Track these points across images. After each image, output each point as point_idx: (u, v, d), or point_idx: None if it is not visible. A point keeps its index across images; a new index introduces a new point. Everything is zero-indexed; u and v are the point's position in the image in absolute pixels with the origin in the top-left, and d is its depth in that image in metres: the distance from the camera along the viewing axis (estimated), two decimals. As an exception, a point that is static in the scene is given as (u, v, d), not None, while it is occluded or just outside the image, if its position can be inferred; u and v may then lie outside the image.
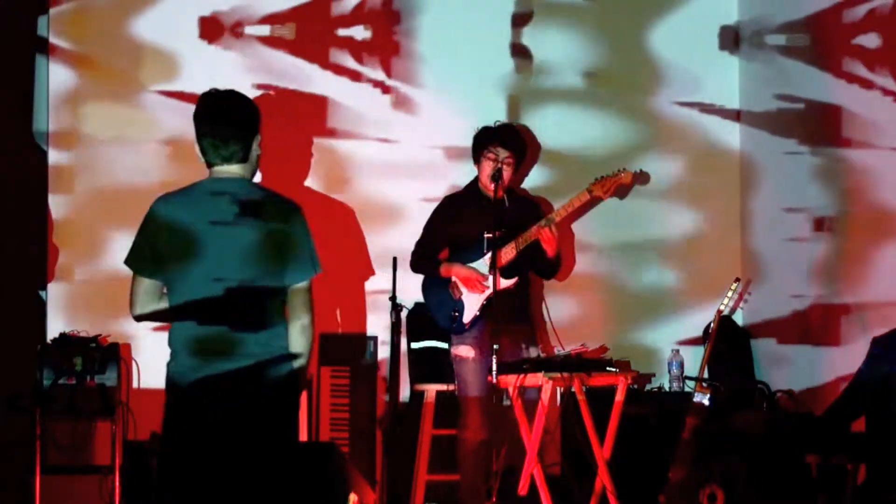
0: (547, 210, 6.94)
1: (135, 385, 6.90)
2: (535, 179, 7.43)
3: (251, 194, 4.26)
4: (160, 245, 4.22)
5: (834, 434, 5.65)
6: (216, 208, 4.22)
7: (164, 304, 4.28)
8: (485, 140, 6.56)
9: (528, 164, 7.30)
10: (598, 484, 6.33)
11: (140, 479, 6.54)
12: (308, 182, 7.43)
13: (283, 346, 4.24)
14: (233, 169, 4.29)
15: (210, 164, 4.31)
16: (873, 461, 5.50)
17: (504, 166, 6.48)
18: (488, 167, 6.50)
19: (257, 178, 4.46)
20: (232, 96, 4.32)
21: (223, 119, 4.27)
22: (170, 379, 4.24)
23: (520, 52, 7.60)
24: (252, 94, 7.31)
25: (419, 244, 6.63)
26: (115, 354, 6.73)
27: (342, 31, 7.51)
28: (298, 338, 4.26)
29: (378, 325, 7.22)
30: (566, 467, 6.39)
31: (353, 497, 5.97)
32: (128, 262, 4.29)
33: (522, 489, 6.18)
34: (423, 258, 6.60)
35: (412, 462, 6.72)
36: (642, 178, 6.95)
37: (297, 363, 4.26)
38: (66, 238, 7.24)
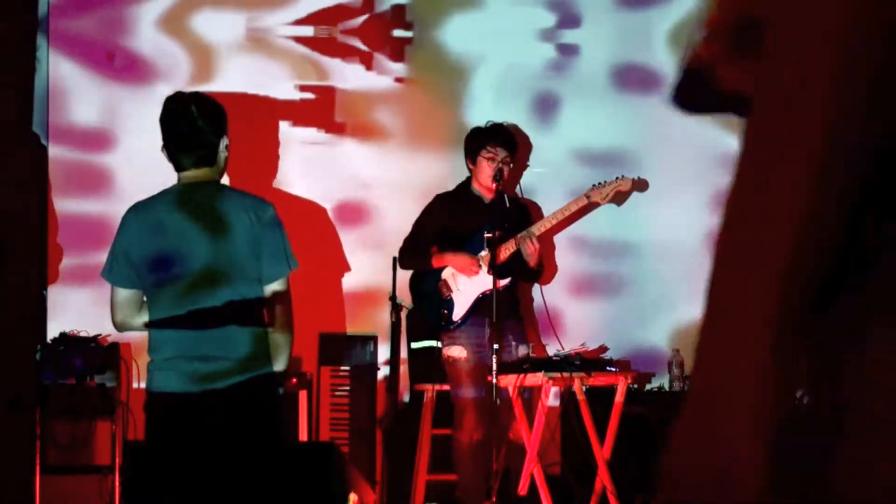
0: (535, 211, 6.94)
1: (135, 385, 6.90)
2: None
3: (222, 196, 4.25)
4: (135, 255, 4.20)
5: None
6: (188, 213, 4.20)
7: (145, 314, 4.26)
8: (482, 140, 6.56)
9: (521, 165, 7.29)
10: (598, 484, 6.33)
11: (140, 478, 6.54)
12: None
13: (267, 347, 4.23)
14: (201, 172, 4.27)
15: (178, 169, 4.29)
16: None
17: (504, 166, 6.49)
18: (489, 167, 6.51)
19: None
20: (196, 99, 4.29)
21: (188, 123, 4.24)
22: (161, 386, 4.20)
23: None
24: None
25: (408, 241, 6.63)
26: (115, 354, 6.73)
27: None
28: (278, 338, 4.25)
29: (378, 324, 7.23)
30: (566, 467, 6.39)
31: (353, 497, 5.97)
32: (104, 274, 4.28)
33: (522, 489, 6.18)
34: (413, 253, 6.59)
35: (412, 462, 6.72)
36: (640, 185, 6.95)
37: (279, 363, 4.25)
38: (69, 238, 7.25)
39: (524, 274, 6.61)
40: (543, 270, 6.66)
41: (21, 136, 7.19)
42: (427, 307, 6.57)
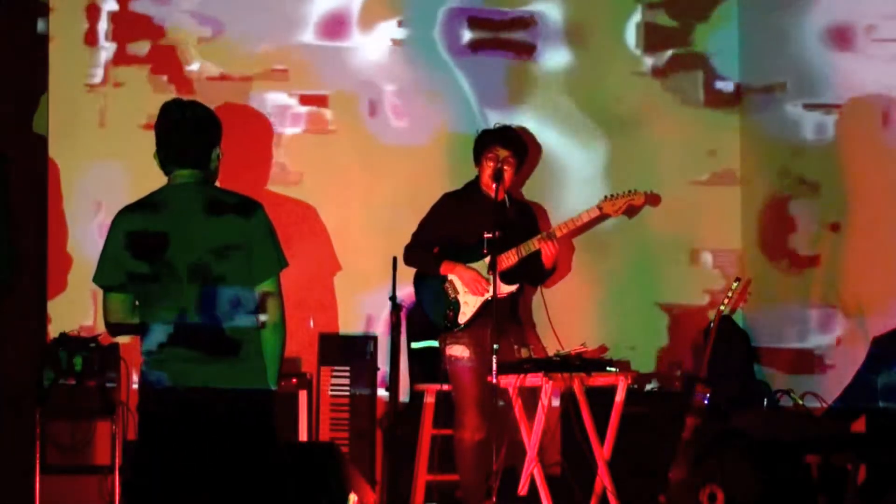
0: (539, 214, 6.93)
1: (135, 385, 6.90)
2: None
3: (211, 196, 4.25)
4: (127, 258, 4.19)
5: (834, 434, 5.65)
6: (178, 215, 4.20)
7: (137, 316, 4.25)
8: (485, 141, 6.58)
9: (530, 167, 7.31)
10: (598, 484, 6.33)
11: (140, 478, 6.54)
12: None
13: (258, 345, 4.23)
14: (189, 174, 4.26)
15: (168, 173, 4.28)
16: (873, 461, 5.50)
17: (505, 166, 6.48)
18: (489, 167, 6.51)
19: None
20: (193, 108, 4.29)
21: (182, 132, 4.24)
22: (155, 383, 4.19)
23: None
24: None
25: (414, 238, 6.63)
26: (115, 354, 6.73)
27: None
28: (270, 337, 4.25)
29: (378, 324, 7.24)
30: (566, 467, 6.39)
31: (353, 497, 5.97)
32: (96, 279, 4.26)
33: (522, 489, 6.17)
34: (420, 252, 6.59)
35: (412, 462, 6.72)
36: (653, 199, 6.93)
37: (272, 361, 4.25)
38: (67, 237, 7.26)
39: (536, 275, 6.58)
40: (554, 273, 6.65)
41: (23, 135, 7.19)
42: (432, 307, 6.56)
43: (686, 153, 7.65)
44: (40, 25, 7.29)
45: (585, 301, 7.54)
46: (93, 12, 7.34)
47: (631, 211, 6.74)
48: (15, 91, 7.20)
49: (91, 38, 7.33)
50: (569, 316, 7.21)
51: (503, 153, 6.51)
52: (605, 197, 6.56)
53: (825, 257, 6.96)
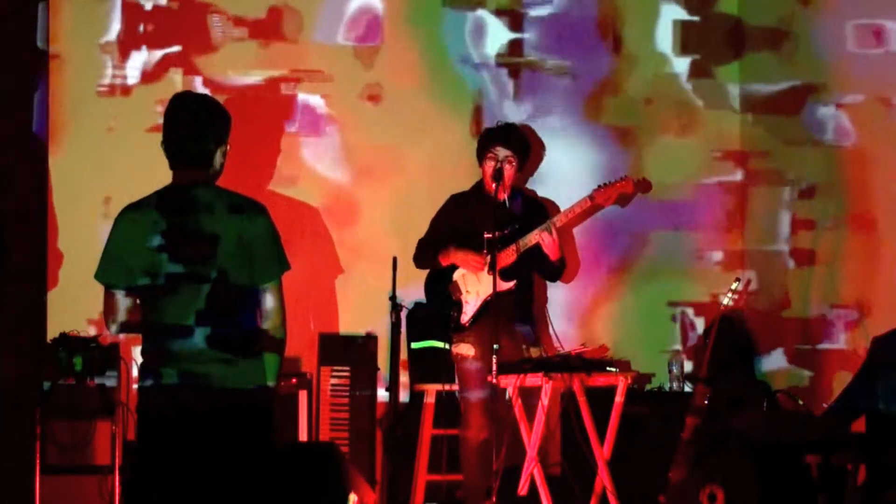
0: (553, 211, 6.93)
1: (135, 385, 6.89)
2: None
3: (216, 197, 4.23)
4: (129, 256, 4.18)
5: (834, 434, 5.65)
6: (181, 214, 4.19)
7: (139, 315, 4.24)
8: (486, 140, 6.57)
9: (534, 164, 7.29)
10: (598, 484, 6.32)
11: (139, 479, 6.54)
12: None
13: (259, 346, 4.23)
14: (195, 174, 4.26)
15: (173, 167, 4.28)
16: (873, 461, 5.50)
17: (505, 165, 6.47)
18: (489, 167, 6.50)
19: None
20: (204, 102, 4.29)
21: (190, 125, 4.23)
22: (156, 383, 4.19)
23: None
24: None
25: (422, 241, 6.63)
26: (115, 354, 6.73)
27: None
28: (272, 338, 4.25)
29: (378, 324, 7.24)
30: (566, 467, 6.39)
31: (353, 497, 5.97)
32: (98, 276, 4.25)
33: (522, 489, 6.17)
34: (426, 252, 6.59)
35: (412, 462, 6.72)
36: (644, 185, 6.93)
37: (272, 363, 4.25)
38: (66, 237, 7.25)
39: (545, 271, 6.57)
40: (565, 266, 6.62)
41: (20, 136, 7.19)
42: (438, 308, 6.55)
43: (693, 153, 7.65)
44: (41, 20, 7.28)
45: (590, 302, 7.53)
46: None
47: (623, 199, 6.73)
48: (15, 89, 7.20)
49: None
50: (574, 316, 7.22)
51: (503, 152, 6.50)
52: (598, 186, 6.56)
53: (826, 257, 6.96)
